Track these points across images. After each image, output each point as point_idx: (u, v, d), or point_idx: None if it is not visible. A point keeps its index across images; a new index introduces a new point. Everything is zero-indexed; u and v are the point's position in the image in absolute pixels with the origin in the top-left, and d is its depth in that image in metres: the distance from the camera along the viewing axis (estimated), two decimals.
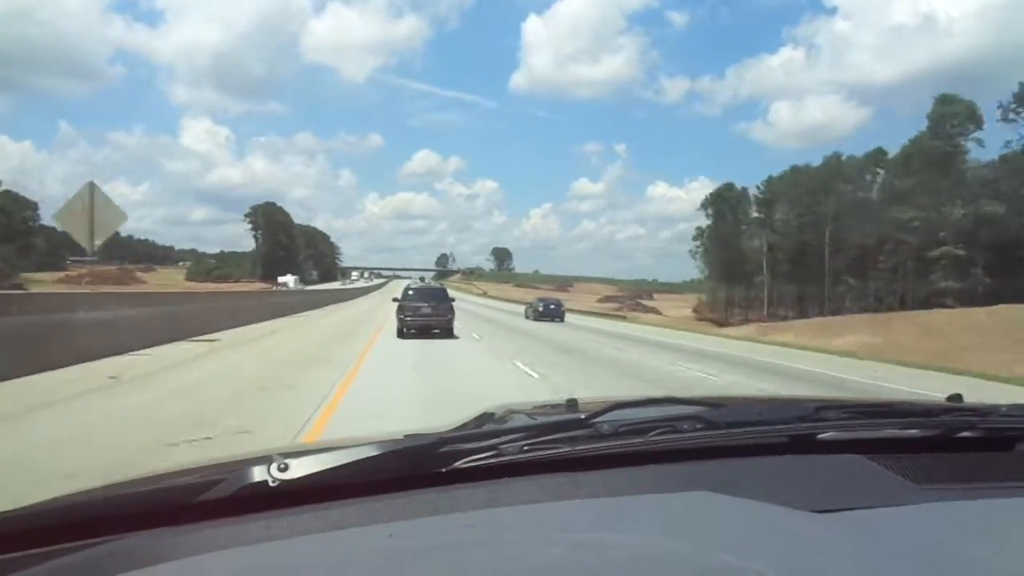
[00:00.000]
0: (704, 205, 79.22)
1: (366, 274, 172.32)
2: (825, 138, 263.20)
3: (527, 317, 33.63)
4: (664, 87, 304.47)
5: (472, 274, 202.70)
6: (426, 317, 17.75)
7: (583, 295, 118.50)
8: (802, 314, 57.43)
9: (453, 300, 19.61)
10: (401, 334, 17.28)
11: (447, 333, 17.87)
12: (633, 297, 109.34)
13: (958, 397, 1.34)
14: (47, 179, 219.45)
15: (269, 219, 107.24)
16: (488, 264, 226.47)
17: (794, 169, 70.72)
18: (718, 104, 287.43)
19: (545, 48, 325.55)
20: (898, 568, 0.67)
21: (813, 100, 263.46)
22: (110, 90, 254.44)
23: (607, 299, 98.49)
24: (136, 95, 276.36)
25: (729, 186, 77.73)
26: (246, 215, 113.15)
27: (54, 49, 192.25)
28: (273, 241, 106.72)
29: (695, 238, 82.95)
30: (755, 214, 74.05)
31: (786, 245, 66.59)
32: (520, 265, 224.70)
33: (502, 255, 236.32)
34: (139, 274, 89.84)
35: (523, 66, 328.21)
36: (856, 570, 0.66)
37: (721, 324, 52.94)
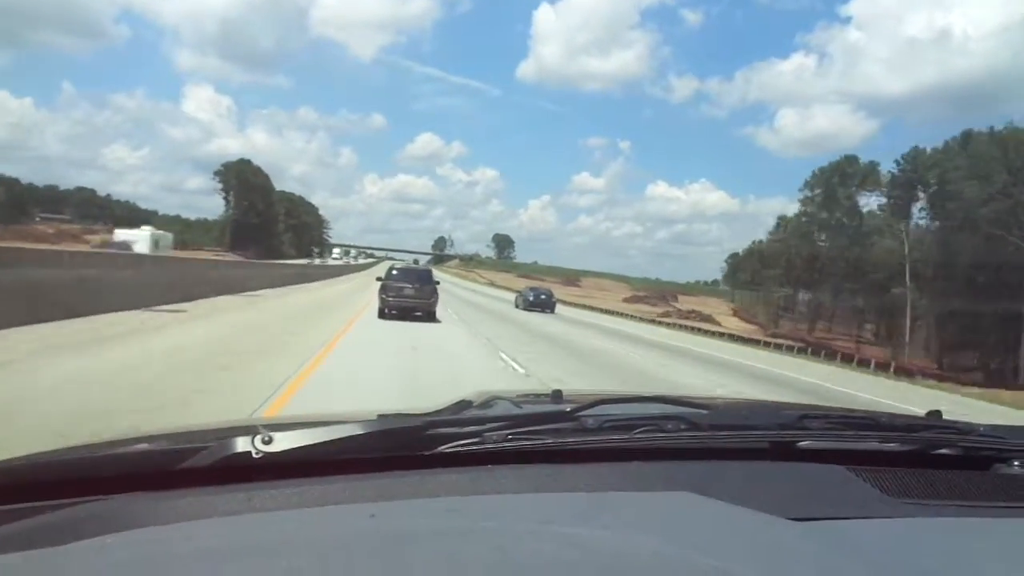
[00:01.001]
0: (809, 185, 60.69)
1: (353, 253, 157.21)
2: (831, 148, 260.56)
3: (517, 306, 32.30)
4: (672, 85, 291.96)
5: (472, 260, 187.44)
6: (409, 299, 17.29)
7: (596, 291, 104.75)
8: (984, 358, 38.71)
9: (438, 283, 19.23)
10: (382, 314, 16.84)
11: (429, 316, 17.30)
12: (659, 298, 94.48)
13: (938, 414, 1.35)
14: (48, 138, 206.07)
15: (242, 180, 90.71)
16: (488, 251, 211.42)
17: (969, 136, 48.00)
18: (725, 107, 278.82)
19: (555, 38, 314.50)
20: None
21: (821, 109, 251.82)
22: (114, 50, 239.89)
23: (634, 299, 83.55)
24: (140, 57, 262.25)
25: (851, 159, 59.41)
26: (216, 173, 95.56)
27: (58, 3, 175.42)
28: (246, 206, 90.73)
29: (776, 228, 66.26)
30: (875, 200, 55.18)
31: (951, 246, 45.34)
32: (519, 255, 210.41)
33: (503, 242, 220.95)
34: (88, 236, 77.99)
35: (532, 55, 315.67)
36: None
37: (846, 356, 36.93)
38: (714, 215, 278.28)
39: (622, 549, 0.69)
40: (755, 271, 78.36)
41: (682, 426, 1.06)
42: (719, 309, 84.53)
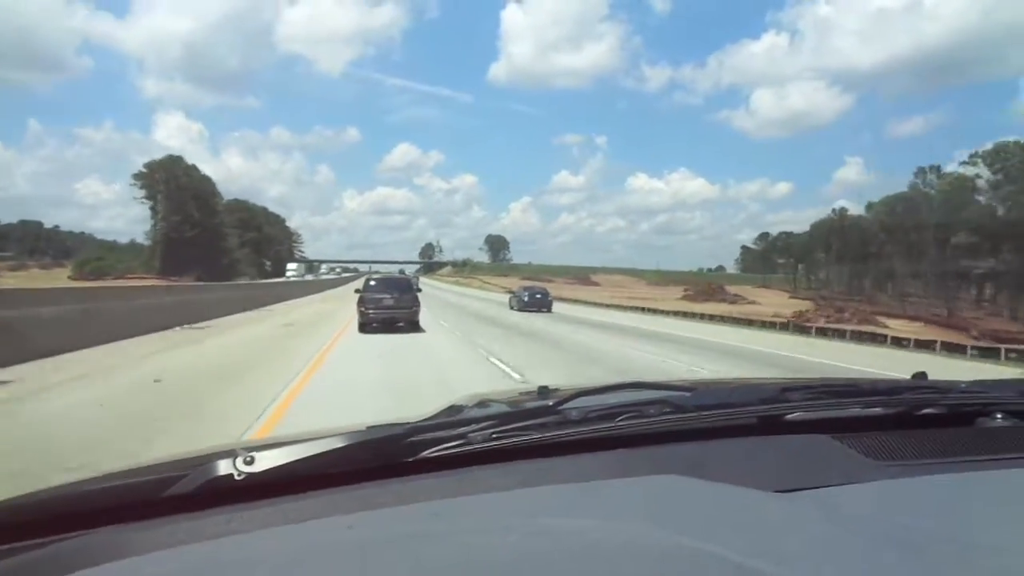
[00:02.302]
0: (985, 159, 48.91)
1: (324, 268, 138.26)
2: (807, 126, 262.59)
3: (511, 308, 30.28)
4: (646, 75, 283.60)
5: (465, 266, 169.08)
6: (389, 309, 16.71)
7: (617, 288, 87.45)
8: None
9: (419, 291, 19.87)
10: (363, 328, 16.17)
11: (412, 326, 16.72)
12: (710, 293, 76.53)
13: (923, 375, 1.36)
14: (17, 178, 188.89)
15: (172, 183, 69.23)
16: (481, 255, 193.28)
17: None
18: (700, 93, 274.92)
19: (525, 36, 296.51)
20: (855, 543, 0.68)
21: (795, 87, 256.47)
22: (78, 82, 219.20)
23: (689, 295, 65.50)
24: (106, 88, 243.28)
25: None
26: (135, 176, 71.11)
27: (13, 37, 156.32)
28: (181, 218, 71.77)
29: (867, 208, 49.84)
30: None
31: None
32: (513, 256, 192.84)
33: (497, 244, 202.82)
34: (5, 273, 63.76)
35: (503, 56, 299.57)
36: (814, 547, 0.67)
37: None
38: (695, 203, 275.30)
39: (599, 536, 0.69)
40: (839, 249, 61.34)
41: (665, 409, 1.07)
42: (774, 300, 66.97)
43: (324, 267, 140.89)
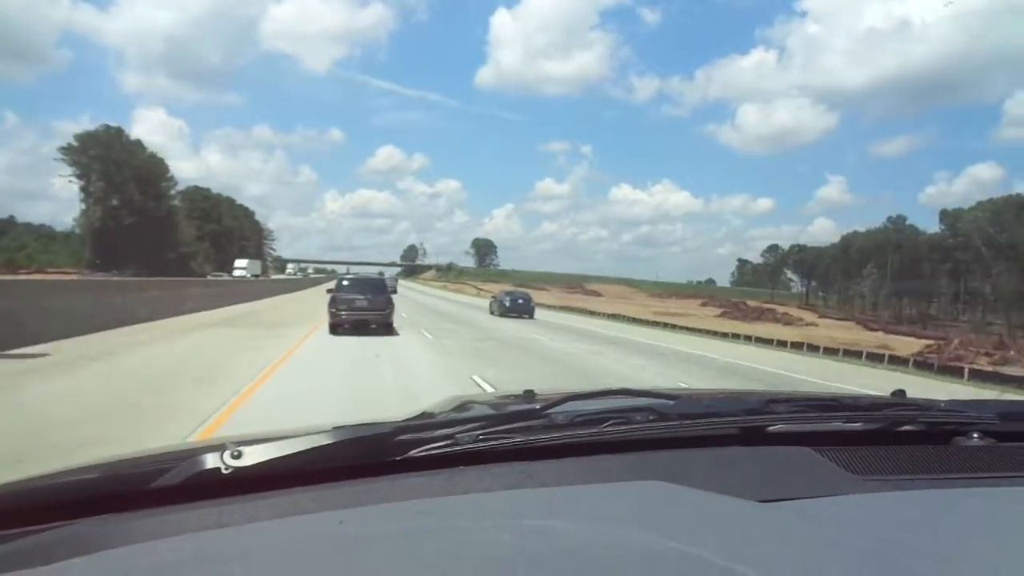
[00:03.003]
0: None
1: (291, 268, 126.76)
2: (791, 143, 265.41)
3: (492, 313, 29.27)
4: (634, 86, 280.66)
5: (451, 270, 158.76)
6: (361, 311, 16.06)
7: (622, 300, 78.09)
8: None
9: (394, 292, 20.19)
10: (333, 330, 15.52)
11: (385, 328, 16.09)
12: (732, 307, 67.08)
13: (901, 393, 1.39)
14: None
15: (109, 161, 57.19)
16: (467, 259, 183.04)
17: None
18: (686, 106, 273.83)
19: (514, 42, 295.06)
20: (834, 554, 0.69)
21: (782, 104, 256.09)
22: (57, 75, 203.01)
23: (726, 310, 55.74)
24: (86, 81, 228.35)
25: None
26: (62, 150, 58.32)
27: None
28: (119, 202, 60.71)
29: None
30: None
31: None
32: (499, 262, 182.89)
33: (484, 248, 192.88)
34: None
35: (491, 61, 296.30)
36: (795, 556, 0.68)
37: None
38: (678, 215, 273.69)
39: (586, 537, 0.70)
40: (900, 264, 52.20)
41: (650, 417, 1.08)
42: (825, 321, 57.81)
43: (290, 266, 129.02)
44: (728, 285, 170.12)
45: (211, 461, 0.86)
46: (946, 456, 1.10)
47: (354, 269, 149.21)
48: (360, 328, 15.39)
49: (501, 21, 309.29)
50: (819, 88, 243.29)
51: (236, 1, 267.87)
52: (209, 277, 53.59)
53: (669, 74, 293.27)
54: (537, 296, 64.17)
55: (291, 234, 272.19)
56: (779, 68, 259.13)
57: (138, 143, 63.46)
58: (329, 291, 17.13)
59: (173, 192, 71.19)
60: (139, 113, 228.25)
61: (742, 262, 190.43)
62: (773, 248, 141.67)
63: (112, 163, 59.55)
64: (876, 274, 59.35)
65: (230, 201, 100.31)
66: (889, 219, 78.49)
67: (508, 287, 51.57)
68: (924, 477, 1.01)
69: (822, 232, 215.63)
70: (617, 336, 21.85)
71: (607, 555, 0.65)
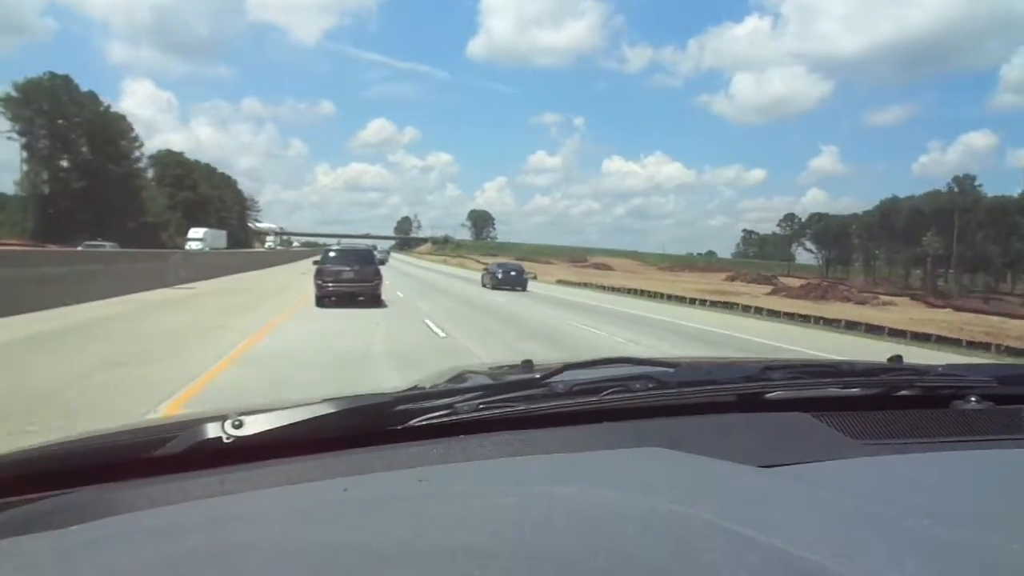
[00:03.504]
0: None
1: (271, 239, 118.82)
2: (785, 112, 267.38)
3: (484, 285, 28.55)
4: (626, 56, 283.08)
5: (447, 243, 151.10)
6: (348, 283, 15.76)
7: (634, 274, 71.29)
8: None
9: (382, 262, 19.82)
10: (320, 302, 15.19)
11: (374, 300, 15.80)
12: (765, 281, 60.11)
13: (898, 358, 1.39)
14: None
15: (57, 115, 49.28)
16: (463, 231, 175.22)
17: None
18: (679, 76, 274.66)
19: (505, 11, 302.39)
20: (835, 515, 0.71)
21: (776, 72, 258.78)
22: (40, 45, 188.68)
23: (773, 287, 48.52)
24: (71, 52, 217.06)
25: None
26: (2, 102, 49.08)
27: None
28: (69, 163, 52.80)
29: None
30: None
31: None
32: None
33: (481, 220, 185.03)
34: None
35: (482, 31, 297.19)
36: (796, 518, 0.69)
37: None
38: (670, 187, 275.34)
39: (591, 499, 0.70)
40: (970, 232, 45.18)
41: (650, 385, 1.08)
42: (899, 301, 50.81)
43: (269, 239, 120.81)
44: (729, 257, 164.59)
45: (212, 431, 0.86)
46: (944, 420, 1.11)
47: (344, 242, 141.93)
48: (347, 300, 15.05)
49: None
50: (814, 56, 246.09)
51: None
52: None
53: (662, 44, 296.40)
54: (546, 270, 56.49)
55: (284, 208, 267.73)
56: (773, 36, 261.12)
57: (91, 95, 54.90)
58: (315, 263, 16.74)
59: (138, 154, 63.16)
60: (127, 85, 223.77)
61: (748, 233, 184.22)
62: (789, 217, 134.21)
63: (60, 117, 51.35)
64: (937, 242, 52.28)
65: (208, 168, 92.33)
66: (955, 179, 70.85)
67: (511, 260, 46.44)
68: (922, 440, 1.01)
69: (814, 203, 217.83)
70: (692, 327, 15.81)
71: (611, 517, 0.66)
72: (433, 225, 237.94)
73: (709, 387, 1.13)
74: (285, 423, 0.88)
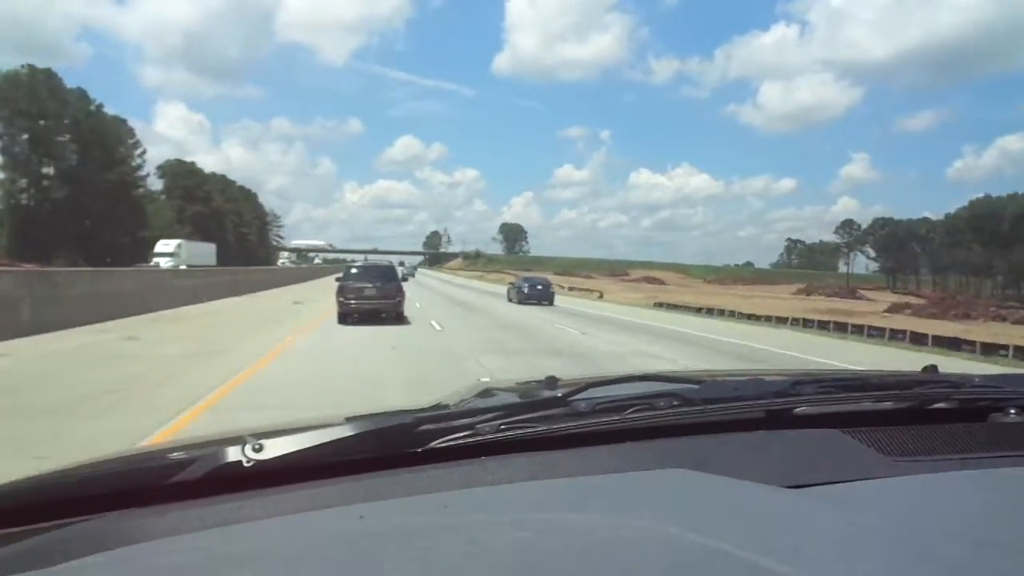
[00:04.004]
0: None
1: (285, 256, 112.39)
2: (814, 120, 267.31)
3: (509, 300, 28.11)
4: (652, 68, 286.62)
5: (479, 257, 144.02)
6: (371, 300, 15.59)
7: (686, 289, 63.64)
8: None
9: (405, 279, 19.34)
10: (343, 319, 15.15)
11: (397, 318, 15.77)
12: (850, 294, 51.70)
13: (933, 368, 1.34)
14: None
15: (41, 115, 42.43)
16: (495, 246, 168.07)
17: None
18: (706, 86, 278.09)
19: (531, 26, 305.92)
20: (865, 543, 0.68)
21: (804, 80, 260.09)
22: (75, 70, 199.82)
23: (899, 306, 40.00)
24: (105, 75, 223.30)
25: None
26: None
27: (12, 21, 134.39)
28: (54, 170, 46.45)
29: None
30: None
31: None
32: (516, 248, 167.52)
33: (513, 234, 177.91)
34: None
35: (508, 47, 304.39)
36: (825, 545, 0.66)
37: None
38: (699, 199, 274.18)
39: (609, 531, 0.69)
40: None
41: (674, 403, 1.05)
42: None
43: (284, 255, 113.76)
44: (768, 267, 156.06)
45: (232, 455, 0.85)
46: (982, 434, 1.06)
47: (372, 258, 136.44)
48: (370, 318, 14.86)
49: (517, 5, 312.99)
50: (843, 62, 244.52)
51: None
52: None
53: (688, 54, 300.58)
54: (594, 286, 48.77)
55: (313, 226, 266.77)
56: (801, 43, 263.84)
57: (80, 92, 48.58)
58: (337, 279, 16.75)
59: (139, 162, 56.78)
60: (159, 108, 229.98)
61: (792, 242, 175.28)
62: (848, 224, 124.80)
63: (42, 117, 44.99)
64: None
65: (224, 180, 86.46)
66: None
67: (544, 275, 42.84)
68: (959, 456, 0.97)
69: (845, 211, 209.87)
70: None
71: (627, 551, 0.64)
72: (461, 240, 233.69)
73: (736, 404, 1.08)
74: (305, 446, 0.88)
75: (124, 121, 55.64)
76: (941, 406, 1.14)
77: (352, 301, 15.27)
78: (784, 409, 1.08)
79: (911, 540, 0.67)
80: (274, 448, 0.86)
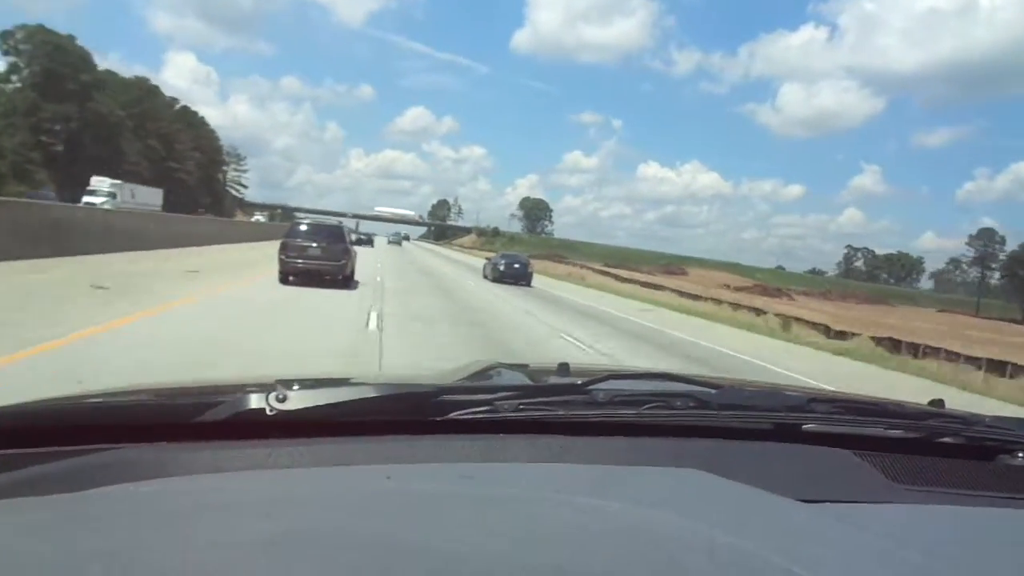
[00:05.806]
0: None
1: (262, 215, 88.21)
2: (832, 127, 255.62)
3: (485, 277, 27.16)
4: (673, 59, 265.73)
5: (497, 235, 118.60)
6: (314, 260, 14.75)
7: (775, 301, 39.32)
8: None
9: (357, 241, 18.22)
10: (284, 278, 14.54)
11: (344, 282, 15.00)
12: None
13: (940, 403, 1.37)
14: None
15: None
16: (514, 224, 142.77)
17: None
18: (726, 83, 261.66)
19: (554, 3, 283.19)
20: (880, 564, 0.69)
21: (827, 85, 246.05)
22: (82, 9, 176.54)
23: None
24: (111, 17, 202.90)
25: None
26: None
27: None
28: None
29: None
30: None
31: None
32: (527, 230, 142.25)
33: (536, 210, 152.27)
34: None
35: (528, 23, 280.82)
36: (841, 562, 0.68)
37: None
38: (705, 197, 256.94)
39: (642, 523, 0.70)
40: None
41: (691, 404, 1.08)
42: None
43: (258, 215, 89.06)
44: (799, 272, 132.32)
45: (256, 402, 0.87)
46: (989, 473, 1.08)
47: (364, 226, 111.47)
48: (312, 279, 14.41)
49: None
50: (868, 70, 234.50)
51: None
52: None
53: (711, 48, 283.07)
54: (660, 290, 29.76)
55: (315, 190, 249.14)
56: (828, 47, 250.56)
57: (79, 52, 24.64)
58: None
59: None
60: (169, 56, 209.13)
61: (852, 249, 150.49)
62: (986, 232, 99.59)
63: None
64: None
65: (123, 80, 58.82)
66: None
67: (595, 265, 38.23)
68: (967, 493, 0.99)
69: (850, 223, 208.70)
70: None
71: (658, 540, 0.65)
72: (475, 216, 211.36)
73: (750, 412, 1.11)
74: (328, 401, 0.89)
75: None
76: (950, 440, 1.15)
77: (296, 260, 14.57)
78: (796, 424, 1.10)
79: (923, 567, 0.68)
80: (297, 400, 0.87)
